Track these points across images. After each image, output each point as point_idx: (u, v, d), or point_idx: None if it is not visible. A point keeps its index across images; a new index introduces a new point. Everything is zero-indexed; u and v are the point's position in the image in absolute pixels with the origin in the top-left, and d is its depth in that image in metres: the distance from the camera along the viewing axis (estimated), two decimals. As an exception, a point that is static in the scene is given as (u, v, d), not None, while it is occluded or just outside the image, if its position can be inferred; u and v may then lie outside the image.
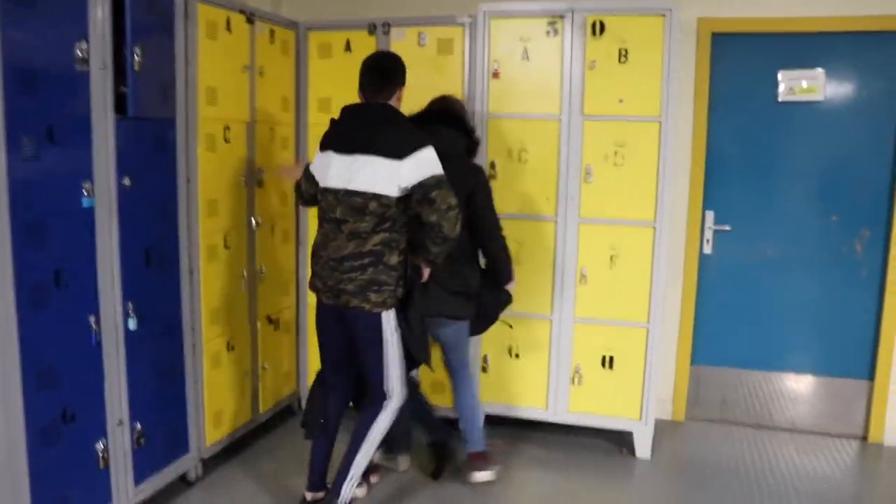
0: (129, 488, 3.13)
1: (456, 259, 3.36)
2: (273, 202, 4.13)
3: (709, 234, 4.40)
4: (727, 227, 4.38)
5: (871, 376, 4.30)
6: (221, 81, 3.56)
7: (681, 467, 4.00)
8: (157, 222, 3.25)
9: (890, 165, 4.13)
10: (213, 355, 3.66)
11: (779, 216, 4.34)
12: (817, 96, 4.18)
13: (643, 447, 4.02)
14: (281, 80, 4.13)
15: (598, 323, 3.99)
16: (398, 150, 2.98)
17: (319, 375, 3.43)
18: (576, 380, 4.05)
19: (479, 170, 3.52)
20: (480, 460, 3.69)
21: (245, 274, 3.87)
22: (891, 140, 4.12)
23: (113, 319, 3.00)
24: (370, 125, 3.09)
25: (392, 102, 3.15)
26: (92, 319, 2.89)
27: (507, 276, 3.61)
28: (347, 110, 3.18)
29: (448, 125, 3.43)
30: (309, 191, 3.34)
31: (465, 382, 3.69)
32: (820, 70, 4.17)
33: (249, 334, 3.96)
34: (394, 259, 3.07)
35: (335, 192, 3.10)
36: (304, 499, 3.33)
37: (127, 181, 3.01)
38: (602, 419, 4.07)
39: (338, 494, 3.17)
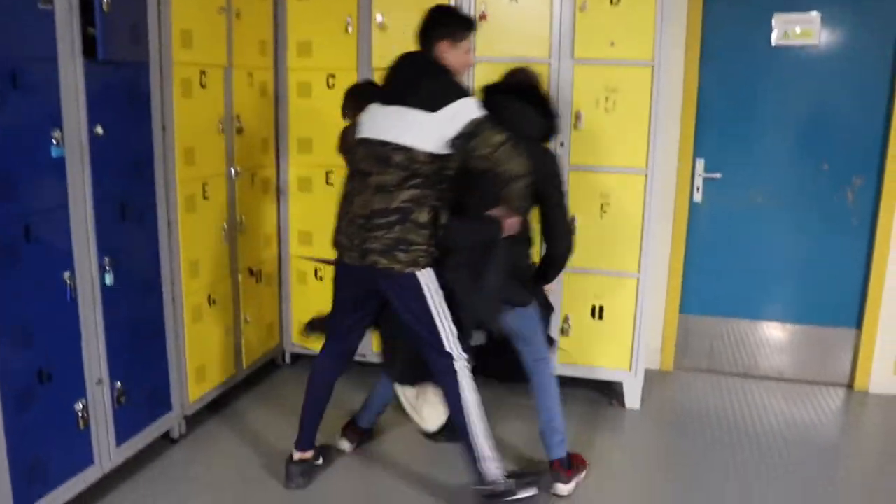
0: (111, 449, 3.03)
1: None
2: (253, 151, 3.96)
3: (699, 182, 4.31)
4: (718, 175, 4.29)
5: (858, 325, 4.28)
6: (196, 23, 3.36)
7: (670, 417, 3.98)
8: (132, 173, 3.09)
9: (883, 112, 4.03)
10: (194, 309, 3.54)
11: (770, 164, 4.24)
12: (812, 41, 4.05)
13: (633, 398, 3.98)
14: (259, 23, 3.93)
15: (587, 273, 3.90)
16: (432, 103, 2.77)
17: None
18: (565, 330, 3.98)
19: (552, 158, 3.14)
20: (560, 469, 3.23)
21: (225, 225, 3.73)
22: (885, 86, 4.02)
23: (88, 275, 2.86)
24: (409, 76, 2.90)
25: (437, 55, 2.91)
26: (66, 275, 2.75)
27: (552, 278, 3.35)
28: (394, 63, 2.97)
29: (522, 100, 3.09)
30: None
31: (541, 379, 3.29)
32: (815, 13, 4.03)
33: (231, 287, 3.83)
34: (423, 217, 2.82)
35: (367, 143, 2.91)
36: (291, 457, 3.23)
37: (99, 130, 2.84)
38: (591, 370, 4.02)
39: (484, 479, 2.95)
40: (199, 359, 3.60)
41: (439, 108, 2.76)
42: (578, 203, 3.83)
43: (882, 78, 4.02)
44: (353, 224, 2.91)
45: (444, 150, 2.79)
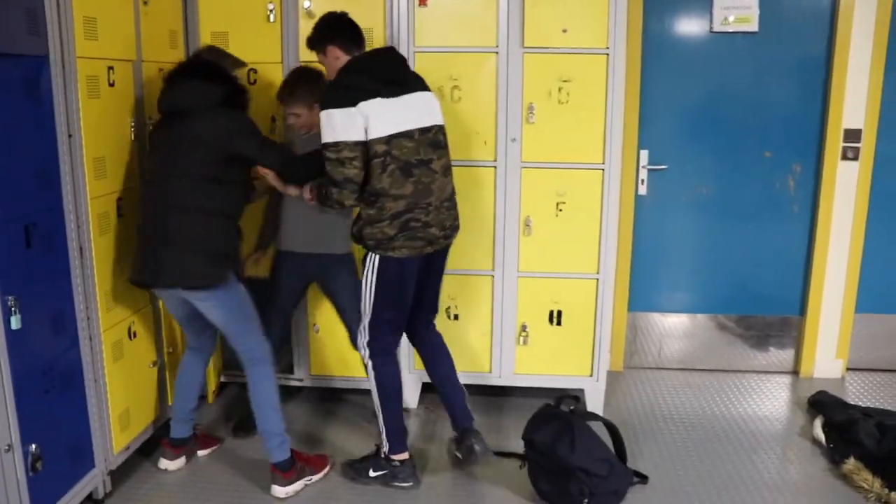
0: (27, 528, 2.46)
1: None
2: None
3: (643, 175, 4.09)
4: (664, 167, 4.08)
5: (801, 312, 4.20)
6: (101, 11, 2.78)
7: (632, 420, 3.72)
8: (36, 190, 2.50)
9: (820, 97, 3.94)
10: (114, 346, 2.96)
11: (714, 153, 4.07)
12: (751, 27, 3.89)
13: (595, 404, 3.69)
14: (167, 10, 3.37)
15: (544, 276, 3.60)
16: (425, 84, 3.02)
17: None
18: (522, 339, 3.66)
19: (236, 116, 3.00)
20: (277, 472, 3.04)
21: (142, 246, 3.17)
22: (821, 71, 3.92)
23: (-10, 320, 2.29)
24: (400, 65, 2.98)
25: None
26: (-38, 324, 2.18)
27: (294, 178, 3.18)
28: (372, 56, 2.94)
29: (197, 77, 2.93)
30: (359, 156, 2.77)
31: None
32: (753, -2, 3.90)
33: (152, 316, 3.28)
34: None
35: (408, 135, 2.84)
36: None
37: (-7, 139, 2.28)
38: (551, 379, 3.71)
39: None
40: (122, 403, 3.03)
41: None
42: (532, 202, 3.53)
43: (818, 63, 3.92)
44: (441, 211, 2.95)
45: None
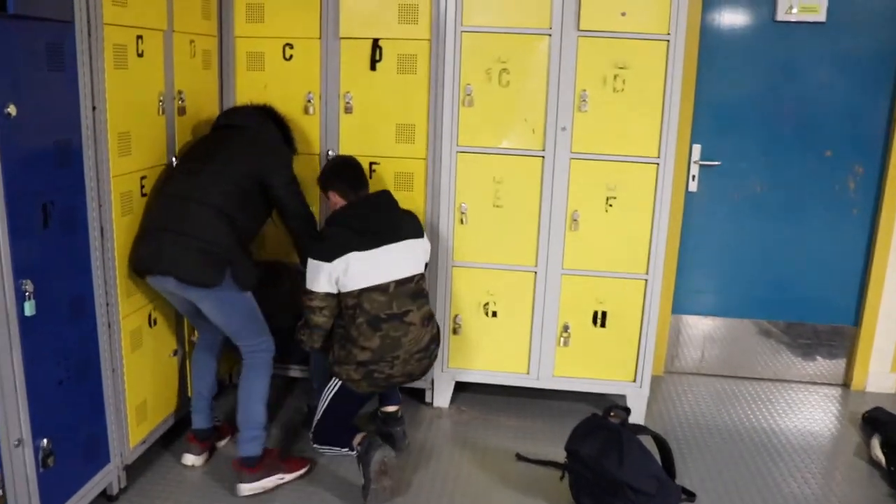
0: (37, 526, 2.26)
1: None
2: (198, 133, 3.16)
3: (695, 170, 3.82)
4: (716, 163, 3.81)
5: (856, 322, 3.92)
6: (130, -26, 2.57)
7: (674, 429, 3.47)
8: (56, 166, 2.28)
9: (889, 95, 3.64)
10: (133, 334, 2.75)
11: (771, 151, 3.78)
12: (818, 17, 3.59)
13: (637, 411, 3.44)
14: (201, -21, 3.14)
15: (589, 275, 3.35)
16: (419, 230, 3.02)
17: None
18: (563, 340, 3.42)
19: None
20: (242, 468, 2.86)
21: (166, 227, 2.95)
22: (892, 68, 3.62)
23: (2, 305, 2.07)
24: (387, 214, 2.98)
25: None
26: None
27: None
28: (358, 208, 2.96)
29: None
30: (330, 307, 2.90)
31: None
32: (822, -15, 3.60)
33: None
34: None
35: (381, 289, 2.86)
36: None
37: (11, 109, 2.04)
38: (591, 383, 3.48)
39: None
40: (140, 394, 2.82)
41: (423, 233, 3.06)
42: (581, 196, 3.27)
43: (889, 58, 3.62)
44: (408, 363, 2.94)
45: None
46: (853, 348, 3.94)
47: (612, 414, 2.81)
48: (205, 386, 3.07)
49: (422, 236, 3.03)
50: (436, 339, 3.04)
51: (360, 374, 2.89)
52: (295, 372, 3.68)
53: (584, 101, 3.18)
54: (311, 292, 2.86)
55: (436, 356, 3.08)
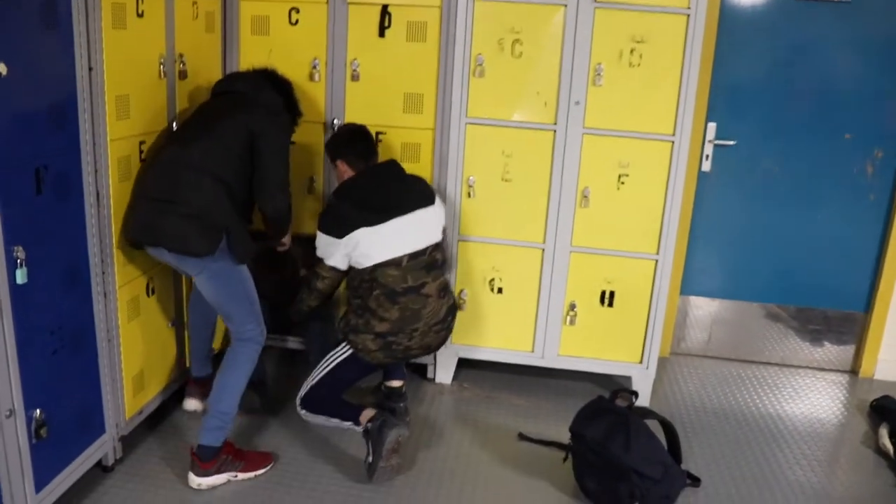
0: (29, 498, 2.18)
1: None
2: (197, 101, 3.02)
3: (709, 150, 3.71)
4: (731, 142, 3.70)
5: (867, 309, 3.83)
6: (131, -72, 2.45)
7: (679, 412, 3.40)
8: (49, 129, 2.18)
9: (913, 76, 3.55)
10: (130, 303, 2.68)
11: (787, 131, 3.66)
12: (842, -8, 3.49)
13: (642, 392, 3.34)
14: (205, -65, 3.02)
15: (599, 253, 3.26)
16: (429, 197, 2.94)
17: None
18: (569, 319, 3.34)
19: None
20: (196, 458, 2.67)
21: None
22: (918, 48, 3.52)
23: (-8, 273, 2.00)
24: (397, 184, 2.90)
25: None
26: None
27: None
28: (367, 180, 2.88)
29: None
30: (333, 279, 2.92)
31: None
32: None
33: (172, 271, 2.97)
34: None
35: (394, 263, 2.79)
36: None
37: (1, 68, 1.93)
38: (597, 364, 3.40)
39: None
40: (137, 364, 2.75)
41: (435, 198, 2.98)
42: (592, 172, 3.17)
43: (916, 38, 3.51)
44: (427, 335, 2.88)
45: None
46: (863, 335, 3.86)
47: (619, 397, 2.74)
48: (203, 335, 3.04)
49: (433, 202, 2.93)
50: (452, 310, 3.00)
51: (377, 345, 2.83)
52: (294, 343, 3.62)
53: (599, 74, 3.07)
54: (321, 259, 2.86)
55: (452, 328, 3.03)
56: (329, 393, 2.87)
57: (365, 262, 2.78)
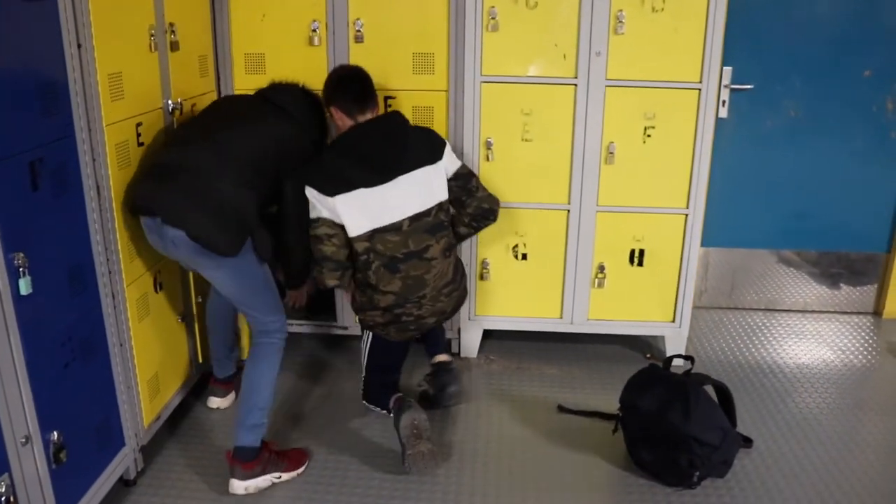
0: (52, 530, 1.95)
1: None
2: (190, 74, 2.76)
3: (725, 95, 3.49)
4: (749, 87, 3.48)
5: (889, 249, 3.68)
6: None
7: (714, 368, 3.24)
8: (41, 116, 1.88)
9: (933, 6, 3.34)
10: (139, 302, 2.40)
11: (806, 71, 3.46)
12: (860, -81, 3.26)
13: (675, 351, 3.15)
14: None
15: (626, 211, 3.05)
16: (435, 152, 2.61)
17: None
18: (597, 281, 3.14)
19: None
20: (237, 462, 2.43)
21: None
22: (937, -22, 3.30)
23: (-7, 286, 1.72)
24: (397, 139, 2.56)
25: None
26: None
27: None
28: (365, 134, 2.54)
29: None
30: (339, 235, 2.53)
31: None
32: None
33: (177, 263, 2.65)
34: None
35: (394, 228, 2.52)
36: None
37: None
38: (629, 325, 3.21)
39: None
40: (151, 367, 2.48)
41: (441, 153, 2.64)
42: (617, 127, 2.93)
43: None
44: (437, 300, 2.63)
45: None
46: (886, 276, 3.71)
47: (672, 365, 2.56)
48: (223, 336, 2.86)
49: (440, 158, 2.60)
50: (460, 268, 2.75)
51: (385, 319, 2.63)
52: (338, 330, 3.35)
53: (620, 22, 2.81)
54: (318, 219, 2.51)
55: (465, 288, 2.80)
56: (379, 380, 2.73)
57: (358, 228, 2.49)
